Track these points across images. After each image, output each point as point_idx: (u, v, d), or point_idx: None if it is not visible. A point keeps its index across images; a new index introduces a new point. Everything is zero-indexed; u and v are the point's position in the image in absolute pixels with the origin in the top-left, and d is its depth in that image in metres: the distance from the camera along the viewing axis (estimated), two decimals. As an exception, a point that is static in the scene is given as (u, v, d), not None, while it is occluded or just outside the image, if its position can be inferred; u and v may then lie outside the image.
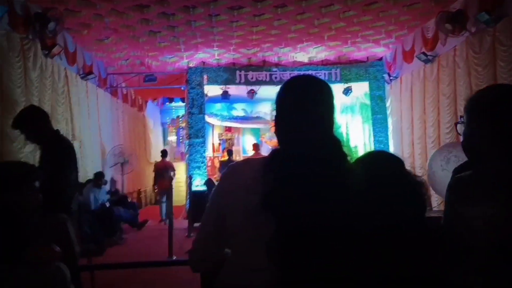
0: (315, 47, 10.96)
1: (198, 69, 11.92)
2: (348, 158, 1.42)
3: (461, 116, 1.97)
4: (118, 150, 10.73)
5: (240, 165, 1.52)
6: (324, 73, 12.14)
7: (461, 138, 1.65)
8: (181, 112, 19.92)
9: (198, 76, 11.89)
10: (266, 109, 15.65)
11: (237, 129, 16.40)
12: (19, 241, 1.87)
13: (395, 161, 1.61)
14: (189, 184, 11.01)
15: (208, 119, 12.96)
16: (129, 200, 10.71)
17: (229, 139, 16.12)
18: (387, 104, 12.06)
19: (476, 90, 7.53)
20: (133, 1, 7.66)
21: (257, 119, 15.75)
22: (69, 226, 2.57)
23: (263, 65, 12.04)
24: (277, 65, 12.03)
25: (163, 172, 11.92)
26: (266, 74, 12.03)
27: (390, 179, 1.52)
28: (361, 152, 14.19)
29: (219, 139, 16.23)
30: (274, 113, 1.51)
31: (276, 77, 12.05)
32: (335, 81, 12.20)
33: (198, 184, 11.50)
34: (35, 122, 3.61)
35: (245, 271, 1.31)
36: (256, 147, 11.77)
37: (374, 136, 12.15)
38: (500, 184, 1.39)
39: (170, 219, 7.06)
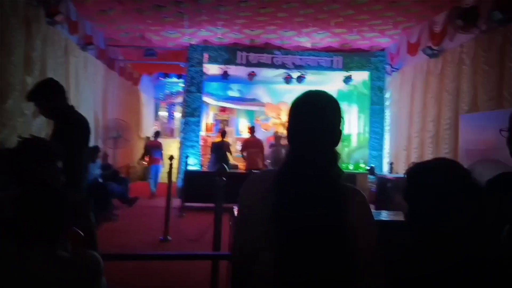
0: (320, 33, 10.84)
1: (199, 47, 11.71)
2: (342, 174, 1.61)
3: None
4: (113, 124, 10.54)
5: (258, 177, 1.67)
6: (326, 60, 12.05)
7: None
8: (175, 88, 19.69)
9: (198, 54, 11.69)
10: (262, 92, 15.54)
11: (232, 110, 16.28)
12: (57, 221, 1.77)
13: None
14: (185, 164, 10.93)
15: (203, 98, 12.79)
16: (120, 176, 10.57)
17: (225, 120, 16.00)
18: (386, 95, 12.05)
19: (480, 89, 7.68)
20: (142, -27, 7.43)
21: (253, 101, 15.64)
22: (89, 209, 2.48)
23: (265, 48, 11.88)
24: (279, 48, 11.88)
25: (153, 150, 12.77)
26: (267, 57, 11.88)
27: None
28: (354, 140, 14.27)
29: (214, 120, 16.08)
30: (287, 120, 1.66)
31: (277, 61, 11.92)
32: (337, 69, 12.14)
33: (192, 164, 11.43)
34: (53, 96, 3.48)
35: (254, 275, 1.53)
36: (251, 130, 11.70)
37: (370, 126, 12.18)
38: None
39: (168, 200, 6.96)
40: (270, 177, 1.57)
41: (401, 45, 11.13)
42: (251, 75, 12.00)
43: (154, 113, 20.13)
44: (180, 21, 9.77)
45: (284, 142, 10.51)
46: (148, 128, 17.75)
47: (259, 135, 13.47)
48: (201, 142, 12.66)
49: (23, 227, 1.55)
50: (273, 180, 1.54)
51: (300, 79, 12.18)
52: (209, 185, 9.42)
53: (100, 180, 8.65)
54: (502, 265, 1.46)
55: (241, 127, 16.32)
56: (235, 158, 14.39)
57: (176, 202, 9.98)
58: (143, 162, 13.28)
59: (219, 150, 10.65)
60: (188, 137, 11.84)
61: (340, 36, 11.11)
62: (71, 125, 3.46)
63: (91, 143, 9.21)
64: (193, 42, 11.60)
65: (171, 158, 7.30)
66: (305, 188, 1.49)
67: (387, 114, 11.92)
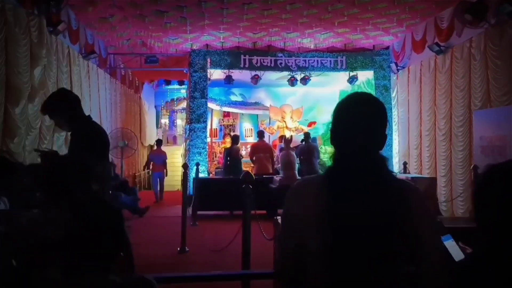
0: (323, 33, 10.72)
1: (201, 52, 11.57)
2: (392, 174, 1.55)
3: None
4: (119, 133, 10.39)
5: (300, 186, 1.59)
6: (330, 61, 11.92)
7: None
8: (176, 95, 19.55)
9: (201, 59, 11.55)
10: (264, 95, 15.41)
11: (235, 114, 16.13)
12: (117, 243, 1.58)
13: None
14: (196, 171, 10.78)
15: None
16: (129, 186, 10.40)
17: (230, 125, 15.85)
18: (393, 94, 11.91)
19: (493, 83, 7.53)
20: (145, -22, 7.30)
21: (256, 104, 15.51)
22: (127, 228, 2.32)
23: (268, 50, 11.75)
24: (282, 50, 11.75)
25: (156, 159, 13.11)
26: (271, 60, 11.75)
27: None
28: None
29: (220, 125, 15.94)
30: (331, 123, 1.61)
31: (281, 63, 11.79)
32: (341, 69, 12.00)
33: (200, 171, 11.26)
34: (68, 107, 3.32)
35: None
36: (260, 134, 11.55)
37: (378, 126, 11.98)
38: None
39: (184, 209, 6.76)
40: (315, 182, 1.54)
41: (406, 43, 11.01)
42: (256, 78, 11.85)
43: (156, 120, 19.99)
44: (182, 26, 9.65)
45: (293, 145, 10.34)
46: (151, 136, 17.61)
47: (267, 139, 13.35)
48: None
49: (77, 252, 1.38)
50: (322, 183, 1.48)
51: (304, 80, 12.05)
52: (222, 193, 9.48)
53: (110, 192, 8.47)
54: None
55: (245, 132, 16.17)
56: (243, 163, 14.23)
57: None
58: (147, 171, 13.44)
59: (232, 155, 10.45)
60: (195, 143, 11.69)
61: (344, 36, 10.99)
62: (90, 136, 3.29)
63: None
64: (195, 47, 11.47)
65: (185, 166, 7.13)
66: (361, 185, 1.44)
67: (394, 113, 11.77)
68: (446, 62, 9.06)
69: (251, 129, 16.08)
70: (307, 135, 11.46)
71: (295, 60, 11.83)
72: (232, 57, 11.62)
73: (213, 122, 15.50)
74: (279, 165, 9.56)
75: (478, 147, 7.45)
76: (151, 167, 13.57)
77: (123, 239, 1.58)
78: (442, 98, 9.10)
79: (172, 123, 23.72)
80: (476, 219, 1.46)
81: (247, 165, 12.91)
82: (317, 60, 11.88)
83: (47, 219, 1.70)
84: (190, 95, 11.79)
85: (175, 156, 16.69)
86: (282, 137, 12.38)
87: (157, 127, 20.20)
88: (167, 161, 13.22)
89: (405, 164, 9.77)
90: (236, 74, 11.95)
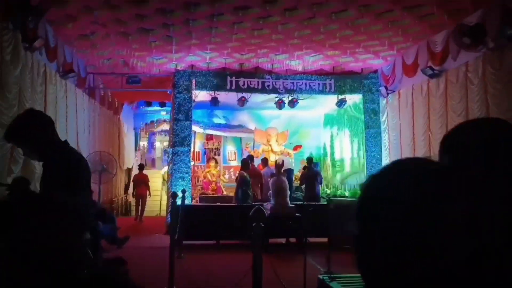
0: (312, 55, 10.42)
1: (186, 73, 11.11)
2: None
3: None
4: (97, 156, 9.74)
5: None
6: (318, 83, 11.62)
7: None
8: (156, 116, 18.97)
9: (186, 80, 11.08)
10: (247, 118, 15.01)
11: (219, 137, 15.64)
12: None
13: None
14: (182, 199, 10.15)
15: (190, 126, 12.15)
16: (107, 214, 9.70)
17: (215, 149, 15.34)
18: (382, 118, 11.65)
19: (494, 109, 7.27)
20: (131, -7, 6.85)
21: (240, 127, 15.09)
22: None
23: (255, 72, 11.38)
24: (270, 72, 11.40)
25: (138, 183, 13.85)
26: (258, 82, 11.37)
27: None
28: (347, 165, 13.78)
29: (204, 148, 15.40)
30: None
31: (268, 85, 11.43)
32: (329, 92, 11.71)
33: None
34: (36, 132, 2.75)
35: None
36: (251, 159, 11.11)
37: (367, 150, 11.70)
38: None
39: (172, 243, 6.11)
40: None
41: (396, 66, 10.81)
42: (242, 100, 11.44)
43: (134, 142, 19.29)
44: (168, 45, 9.19)
45: (284, 170, 9.89)
46: (129, 159, 16.91)
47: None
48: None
49: None
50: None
51: (292, 103, 11.70)
52: (209, 221, 8.89)
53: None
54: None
55: (229, 155, 15.68)
56: (227, 188, 13.72)
57: (167, 239, 9.17)
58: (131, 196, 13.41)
59: (246, 181, 9.79)
60: (178, 168, 11.12)
61: (333, 59, 10.73)
62: (66, 167, 2.72)
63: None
64: (179, 68, 11.01)
65: (174, 195, 6.57)
66: None
67: (385, 137, 11.48)
68: (440, 86, 8.84)
69: (235, 152, 15.61)
70: (310, 160, 11.17)
71: (283, 82, 11.48)
72: (218, 79, 11.19)
73: (196, 145, 14.97)
74: (270, 191, 9.02)
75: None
76: (135, 192, 13.80)
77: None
78: (438, 123, 8.83)
79: (151, 145, 23.07)
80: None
81: (230, 190, 12.39)
82: (306, 83, 11.56)
83: None
84: (174, 117, 11.26)
85: (154, 180, 16.01)
86: (265, 160, 11.95)
87: (135, 149, 19.50)
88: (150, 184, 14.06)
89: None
90: (222, 96, 11.51)
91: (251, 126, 14.71)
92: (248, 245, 4.66)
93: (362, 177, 12.06)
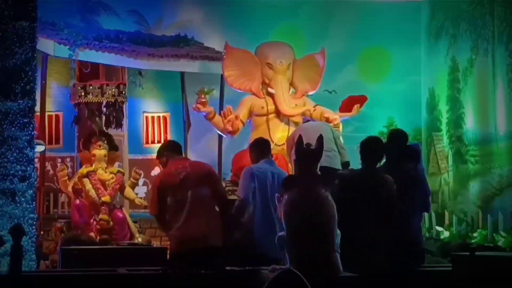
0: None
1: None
2: None
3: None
4: None
5: None
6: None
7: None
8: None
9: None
10: (199, 17, 6.06)
11: (115, 72, 5.83)
12: None
13: None
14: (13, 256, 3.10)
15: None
16: None
17: (110, 105, 5.62)
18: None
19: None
20: None
21: (181, 41, 5.88)
22: None
23: None
24: None
25: None
26: None
27: None
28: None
29: (75, 104, 5.70)
30: None
31: None
32: None
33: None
34: None
35: None
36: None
37: None
38: None
39: None
40: None
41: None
42: None
43: None
44: None
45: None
46: None
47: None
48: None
49: None
50: None
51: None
52: None
53: None
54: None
55: (146, 126, 6.34)
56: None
57: None
58: None
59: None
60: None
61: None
62: None
63: None
64: None
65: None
66: None
67: None
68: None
69: (164, 117, 6.54)
70: (396, 137, 3.84)
71: None
72: None
73: (51, 94, 5.60)
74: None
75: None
76: None
77: None
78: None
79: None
80: None
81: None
82: None
83: None
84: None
85: None
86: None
87: None
88: None
89: None
90: None
91: (214, 40, 6.24)
92: None
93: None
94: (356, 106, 5.43)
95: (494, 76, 5.42)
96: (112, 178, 4.95)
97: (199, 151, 5.93)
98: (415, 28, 6.69)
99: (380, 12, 6.61)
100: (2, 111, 3.77)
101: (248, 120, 5.42)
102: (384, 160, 3.43)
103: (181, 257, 3.17)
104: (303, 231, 2.88)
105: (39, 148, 4.75)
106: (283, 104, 5.25)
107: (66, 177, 5.12)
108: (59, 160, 5.67)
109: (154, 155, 5.97)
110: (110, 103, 5.42)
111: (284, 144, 4.91)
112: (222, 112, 5.34)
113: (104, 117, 5.47)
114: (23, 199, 3.82)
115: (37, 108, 4.65)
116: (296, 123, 5.25)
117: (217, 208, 3.34)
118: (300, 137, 3.34)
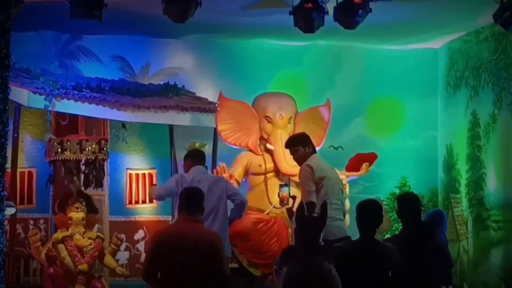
0: None
1: None
2: None
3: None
4: None
5: None
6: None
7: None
8: None
9: None
10: (190, 64, 6.54)
11: (96, 124, 5.78)
12: None
13: None
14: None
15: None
16: None
17: (89, 163, 5.53)
18: None
19: None
20: None
21: (170, 91, 5.72)
22: None
23: None
24: None
25: None
26: None
27: None
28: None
29: (50, 161, 5.70)
30: None
31: None
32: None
33: None
34: None
35: None
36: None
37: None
38: None
39: None
40: None
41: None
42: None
43: None
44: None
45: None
46: None
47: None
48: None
49: None
50: None
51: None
52: None
53: None
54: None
55: (130, 184, 5.91)
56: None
57: None
58: None
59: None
60: None
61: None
62: None
63: None
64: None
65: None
66: None
67: None
68: None
69: (149, 173, 6.12)
70: (411, 207, 3.60)
71: None
72: None
73: (24, 147, 5.04)
74: None
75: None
76: None
77: None
78: None
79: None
80: None
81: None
82: None
83: None
84: None
85: None
86: None
87: None
88: None
89: None
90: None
91: (207, 90, 6.16)
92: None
93: None
94: (365, 165, 5.29)
95: (518, 134, 5.27)
96: (91, 244, 4.79)
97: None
98: (431, 77, 6.56)
99: (392, 59, 6.46)
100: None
101: (244, 179, 5.15)
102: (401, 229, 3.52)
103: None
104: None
105: (9, 211, 4.38)
106: (283, 162, 4.95)
107: (39, 243, 4.80)
108: (32, 222, 5.32)
109: (137, 217, 5.66)
110: (90, 160, 5.12)
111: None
112: (214, 170, 5.06)
113: (82, 176, 5.18)
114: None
115: (8, 164, 4.29)
116: (297, 184, 4.85)
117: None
118: (301, 203, 3.35)
